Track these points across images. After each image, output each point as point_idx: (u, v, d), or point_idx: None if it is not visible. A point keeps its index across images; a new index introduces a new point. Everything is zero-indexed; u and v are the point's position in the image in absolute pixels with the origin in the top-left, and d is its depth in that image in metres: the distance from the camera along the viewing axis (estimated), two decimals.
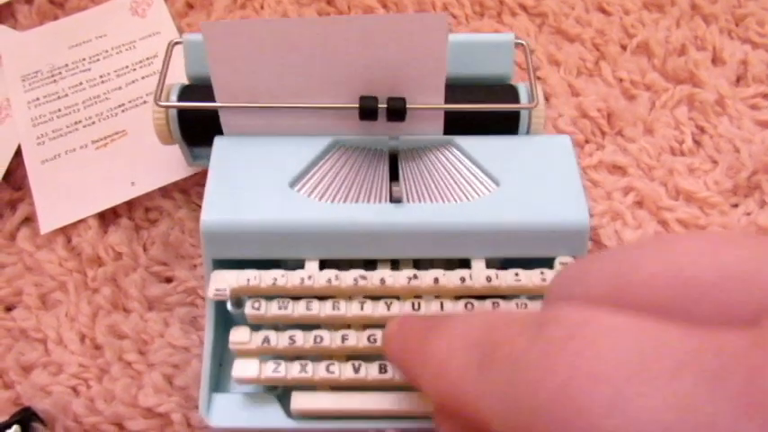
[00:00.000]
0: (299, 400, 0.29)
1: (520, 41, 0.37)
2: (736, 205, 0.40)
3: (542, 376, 0.14)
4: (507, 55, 0.37)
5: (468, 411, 0.18)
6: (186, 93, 0.36)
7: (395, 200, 0.32)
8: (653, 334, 0.13)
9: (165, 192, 0.40)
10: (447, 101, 0.34)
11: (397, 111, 0.33)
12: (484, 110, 0.34)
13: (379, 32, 0.31)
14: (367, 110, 0.33)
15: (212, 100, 0.34)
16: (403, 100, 0.33)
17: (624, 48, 0.46)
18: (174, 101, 0.35)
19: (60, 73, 0.45)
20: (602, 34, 0.46)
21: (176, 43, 0.37)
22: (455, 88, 0.35)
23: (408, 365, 0.23)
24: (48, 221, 0.39)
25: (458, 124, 0.35)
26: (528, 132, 0.35)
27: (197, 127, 0.35)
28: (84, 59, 0.45)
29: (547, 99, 0.44)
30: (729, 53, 0.45)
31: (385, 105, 0.33)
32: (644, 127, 0.43)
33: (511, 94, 0.36)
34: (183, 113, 0.35)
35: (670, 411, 0.12)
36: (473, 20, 0.48)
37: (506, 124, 0.35)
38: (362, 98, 0.33)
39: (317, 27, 0.32)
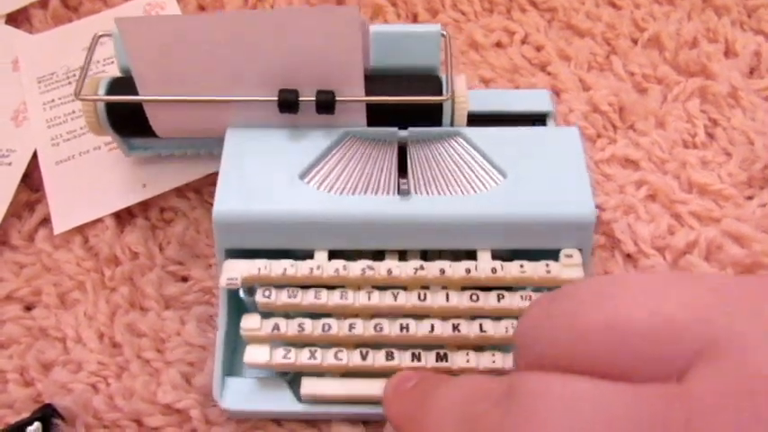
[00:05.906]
0: (309, 386, 0.30)
1: (443, 33, 0.37)
2: (750, 197, 0.39)
3: None
4: (434, 46, 0.36)
5: None
6: (117, 85, 0.36)
7: (402, 192, 0.32)
8: (592, 399, 0.16)
9: (179, 192, 0.40)
10: (370, 91, 0.34)
11: (327, 104, 0.33)
12: (404, 102, 0.34)
13: (293, 26, 0.32)
14: (285, 102, 0.33)
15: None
16: (332, 93, 0.33)
17: (635, 42, 0.46)
18: (102, 93, 0.36)
19: (75, 75, 0.45)
20: (612, 28, 0.46)
21: (102, 35, 0.37)
22: (378, 79, 0.35)
23: None
24: (61, 222, 0.40)
25: (381, 115, 0.35)
26: (452, 124, 0.35)
27: (128, 119, 0.36)
28: (98, 62, 0.46)
29: (558, 94, 0.44)
30: (742, 45, 0.45)
31: (312, 98, 0.33)
32: (656, 120, 0.42)
33: (434, 85, 0.35)
34: (112, 106, 0.36)
35: None
36: (482, 16, 0.48)
37: (429, 115, 0.35)
38: (281, 91, 0.33)
39: (232, 22, 0.32)
